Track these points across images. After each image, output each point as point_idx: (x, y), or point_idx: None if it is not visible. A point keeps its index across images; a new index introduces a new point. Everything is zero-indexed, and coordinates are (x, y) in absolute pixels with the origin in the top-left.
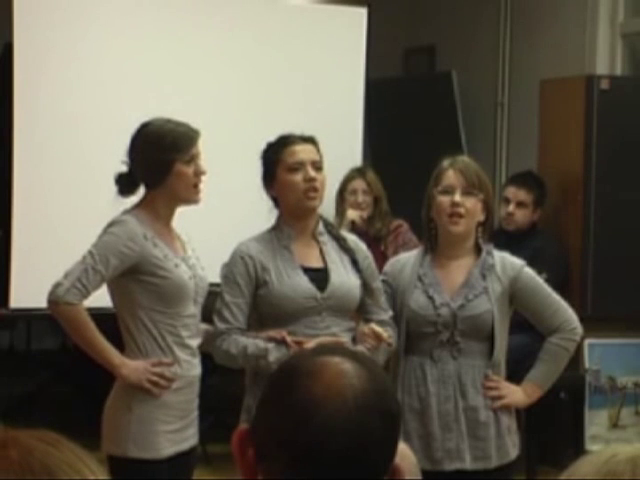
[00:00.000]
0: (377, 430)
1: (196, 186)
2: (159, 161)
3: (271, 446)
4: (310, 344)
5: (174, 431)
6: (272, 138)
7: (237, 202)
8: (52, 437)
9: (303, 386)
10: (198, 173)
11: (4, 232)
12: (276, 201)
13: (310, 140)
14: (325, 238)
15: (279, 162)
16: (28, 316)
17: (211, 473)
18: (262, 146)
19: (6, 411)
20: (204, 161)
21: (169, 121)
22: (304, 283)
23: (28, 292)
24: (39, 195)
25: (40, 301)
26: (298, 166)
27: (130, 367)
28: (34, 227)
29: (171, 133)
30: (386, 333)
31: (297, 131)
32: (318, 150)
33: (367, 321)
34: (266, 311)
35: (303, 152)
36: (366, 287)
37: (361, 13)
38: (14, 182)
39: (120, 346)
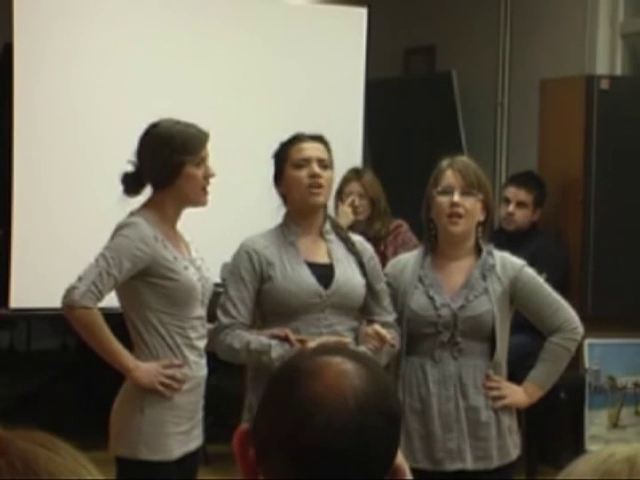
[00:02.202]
0: (378, 430)
1: (204, 189)
2: (169, 162)
3: (272, 446)
4: (313, 343)
5: (183, 432)
6: (272, 138)
7: (239, 202)
8: (50, 441)
9: (304, 386)
10: (207, 176)
11: (4, 232)
12: (285, 199)
13: (319, 138)
14: (332, 237)
15: (287, 159)
16: (28, 316)
17: (211, 473)
18: (262, 145)
19: (6, 411)
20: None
21: (179, 122)
22: (308, 279)
23: (28, 292)
24: (39, 195)
25: (40, 301)
26: (303, 163)
27: (143, 370)
28: (34, 227)
29: (182, 134)
30: (389, 335)
31: (296, 131)
32: (328, 149)
33: (370, 322)
34: (270, 307)
35: (310, 149)
36: (370, 288)
37: (361, 13)
38: (14, 182)
39: (126, 346)
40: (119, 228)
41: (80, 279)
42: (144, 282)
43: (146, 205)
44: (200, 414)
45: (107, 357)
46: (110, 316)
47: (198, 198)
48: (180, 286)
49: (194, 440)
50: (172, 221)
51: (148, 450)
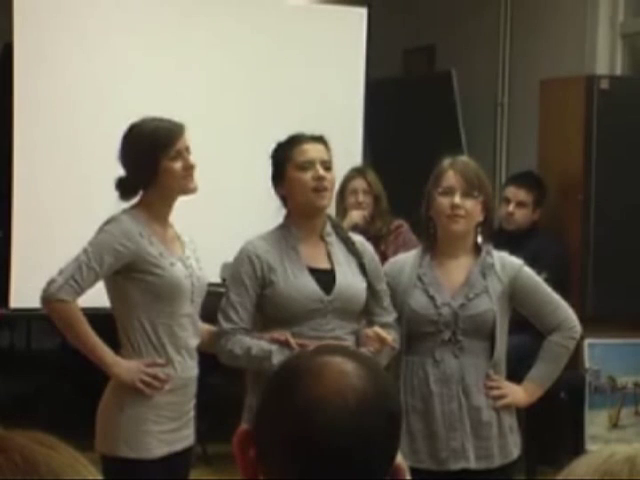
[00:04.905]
0: (378, 430)
1: (187, 178)
2: (145, 162)
3: (272, 446)
4: (313, 346)
5: (166, 432)
6: (272, 138)
7: (239, 201)
8: (48, 439)
9: (304, 386)
10: (187, 167)
11: (4, 232)
12: (285, 200)
13: (320, 139)
14: (332, 239)
15: (289, 160)
16: (28, 316)
17: (211, 473)
18: (261, 146)
19: (6, 411)
20: (205, 161)
21: (153, 119)
22: (310, 285)
23: (28, 292)
24: (39, 195)
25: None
26: (308, 165)
27: (123, 366)
28: (34, 227)
29: (152, 131)
30: (390, 336)
31: (297, 131)
32: (328, 150)
33: (371, 323)
34: (271, 312)
35: (313, 151)
36: (371, 289)
37: (361, 13)
38: (14, 182)
39: (117, 346)
40: (104, 224)
41: (59, 273)
42: (129, 278)
43: (136, 204)
44: (190, 415)
45: (86, 351)
46: (104, 316)
47: (183, 188)
48: (164, 282)
49: (182, 440)
50: (162, 218)
51: (128, 448)
